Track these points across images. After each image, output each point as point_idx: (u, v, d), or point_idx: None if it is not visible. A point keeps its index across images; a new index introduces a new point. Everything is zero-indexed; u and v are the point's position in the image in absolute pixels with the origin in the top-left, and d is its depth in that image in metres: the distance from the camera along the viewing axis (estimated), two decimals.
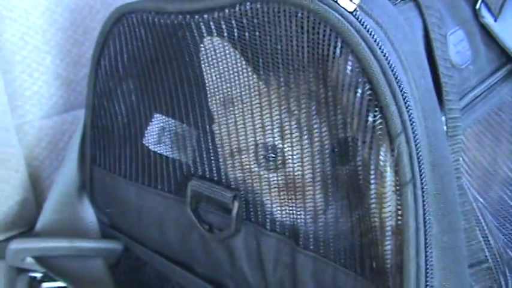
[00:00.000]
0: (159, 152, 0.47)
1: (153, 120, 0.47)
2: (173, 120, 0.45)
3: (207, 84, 0.40)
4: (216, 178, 0.42)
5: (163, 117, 0.46)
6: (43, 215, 0.52)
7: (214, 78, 0.40)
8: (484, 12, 0.43)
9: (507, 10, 0.45)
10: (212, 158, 0.43)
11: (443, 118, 0.37)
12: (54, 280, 0.49)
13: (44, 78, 0.56)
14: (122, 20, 0.45)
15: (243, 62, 0.37)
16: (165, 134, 0.46)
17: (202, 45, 0.39)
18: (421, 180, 0.32)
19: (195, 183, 0.43)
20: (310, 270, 0.38)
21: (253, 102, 0.38)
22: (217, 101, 0.40)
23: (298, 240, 0.38)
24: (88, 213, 0.53)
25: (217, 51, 0.38)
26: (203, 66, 0.40)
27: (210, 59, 0.39)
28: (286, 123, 0.37)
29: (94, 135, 0.52)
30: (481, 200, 0.41)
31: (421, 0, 0.38)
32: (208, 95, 0.40)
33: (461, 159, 0.38)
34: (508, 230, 0.42)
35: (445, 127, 0.37)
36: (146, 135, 0.48)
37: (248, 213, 0.41)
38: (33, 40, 0.54)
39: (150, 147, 0.47)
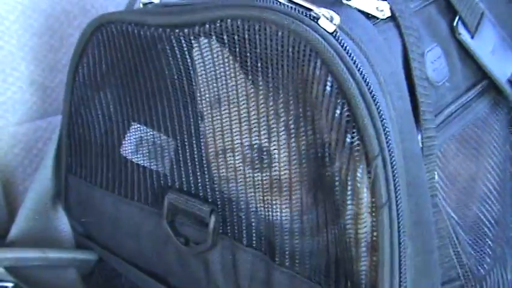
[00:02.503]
0: (136, 162, 0.46)
1: (131, 130, 0.46)
2: (151, 131, 0.45)
3: (198, 85, 0.40)
4: (193, 191, 0.42)
5: (142, 127, 0.45)
6: (16, 224, 0.51)
7: (205, 78, 0.39)
8: (461, 29, 0.44)
9: (483, 27, 0.46)
10: (190, 170, 0.42)
11: (419, 137, 0.38)
12: None
13: (19, 84, 0.55)
14: (102, 30, 0.45)
15: (233, 64, 0.37)
16: (143, 144, 0.46)
17: (196, 44, 0.38)
18: (397, 202, 0.32)
19: (172, 196, 0.43)
20: (285, 287, 0.38)
21: (240, 104, 0.38)
22: (207, 101, 0.40)
23: (274, 256, 0.38)
24: (62, 223, 0.53)
25: (210, 52, 0.38)
26: (195, 65, 0.39)
27: (202, 59, 0.39)
28: (265, 142, 0.37)
29: (70, 143, 0.52)
30: (455, 216, 0.42)
31: (400, 20, 0.39)
32: (198, 96, 0.40)
33: (436, 176, 0.39)
34: (480, 247, 0.43)
35: (421, 147, 0.37)
36: (124, 145, 0.47)
37: (225, 227, 0.41)
38: (8, 45, 0.54)
39: (127, 157, 0.47)
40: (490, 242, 0.44)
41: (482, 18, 0.46)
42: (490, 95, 0.46)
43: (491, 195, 0.45)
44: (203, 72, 0.39)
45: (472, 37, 0.45)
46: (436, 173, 0.39)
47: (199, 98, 0.40)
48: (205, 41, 0.38)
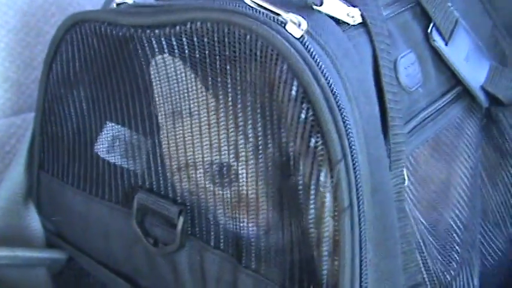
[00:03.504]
0: (108, 161, 0.46)
1: (104, 128, 0.46)
2: (124, 130, 0.45)
3: (155, 94, 0.40)
4: (162, 192, 0.42)
5: (115, 125, 0.45)
6: None
7: (163, 90, 0.39)
8: (435, 36, 0.44)
9: (457, 34, 0.46)
10: (160, 171, 0.42)
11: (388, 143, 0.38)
12: None
13: None
14: (75, 28, 0.45)
15: (194, 79, 0.37)
16: (116, 143, 0.46)
17: (152, 60, 0.39)
18: (359, 207, 0.33)
19: (142, 196, 0.43)
20: None
21: (202, 118, 0.38)
22: (166, 112, 0.40)
23: (240, 258, 0.38)
24: (33, 221, 0.52)
25: (167, 67, 0.38)
26: (152, 78, 0.40)
27: (159, 74, 0.39)
28: (233, 140, 0.37)
29: (43, 140, 0.51)
30: (424, 221, 0.42)
31: (371, 26, 0.39)
32: (157, 104, 0.40)
33: (407, 181, 0.39)
34: (447, 252, 0.43)
35: (388, 152, 0.38)
36: (96, 143, 0.47)
37: (193, 228, 0.41)
38: None
39: (99, 156, 0.47)
40: (457, 248, 0.44)
41: (456, 26, 0.46)
42: (464, 101, 0.47)
43: (462, 201, 0.46)
44: (159, 87, 0.39)
45: (446, 44, 0.45)
46: (405, 178, 0.39)
47: (155, 110, 0.40)
48: (160, 57, 0.38)
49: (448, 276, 0.42)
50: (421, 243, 0.41)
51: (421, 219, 0.42)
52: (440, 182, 0.45)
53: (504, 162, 0.51)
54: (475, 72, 0.47)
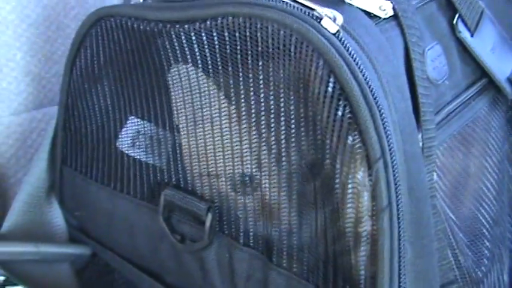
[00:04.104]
0: (132, 156, 0.46)
1: (127, 123, 0.46)
2: (149, 124, 0.44)
3: (173, 100, 0.40)
4: (190, 188, 0.42)
5: (139, 120, 0.45)
6: (9, 216, 0.51)
7: (185, 97, 0.39)
8: (461, 27, 0.44)
9: (483, 25, 0.45)
10: (188, 166, 0.42)
11: (419, 138, 0.37)
12: (16, 285, 0.48)
13: (14, 75, 0.54)
14: (101, 23, 0.44)
15: (213, 89, 0.37)
16: (140, 138, 0.45)
17: (169, 71, 0.38)
18: (398, 206, 0.32)
19: (169, 192, 0.42)
20: (282, 287, 0.37)
21: (223, 128, 0.38)
22: (187, 118, 0.40)
23: (271, 256, 0.38)
24: (56, 216, 0.52)
25: (186, 77, 0.38)
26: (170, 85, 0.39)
27: (178, 85, 0.39)
28: (256, 147, 0.36)
29: (66, 136, 0.51)
30: (453, 217, 0.41)
31: (402, 19, 0.38)
32: (175, 109, 0.40)
33: (435, 175, 0.39)
34: (477, 248, 0.43)
35: (421, 148, 0.37)
36: (120, 138, 0.47)
37: (222, 225, 0.40)
38: (4, 35, 0.53)
39: (123, 151, 0.46)
40: (487, 243, 0.44)
41: (482, 16, 0.45)
42: (489, 94, 0.46)
43: (490, 195, 0.45)
44: (180, 96, 0.39)
45: (472, 35, 0.44)
46: (435, 173, 0.39)
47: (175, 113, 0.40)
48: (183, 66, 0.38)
49: (479, 273, 0.41)
50: (452, 240, 0.40)
51: (451, 215, 0.41)
52: (468, 176, 0.44)
53: None
54: (501, 63, 0.47)
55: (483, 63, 0.45)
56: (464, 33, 0.44)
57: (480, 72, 0.45)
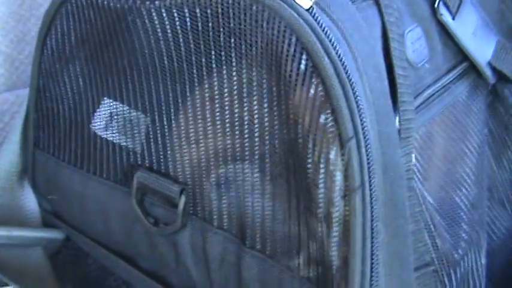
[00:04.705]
0: (106, 138, 0.45)
1: (101, 105, 0.45)
2: (122, 106, 0.43)
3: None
4: (163, 170, 0.41)
5: (112, 102, 0.44)
6: None
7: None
8: (442, 10, 0.43)
9: (465, 8, 0.45)
10: (161, 149, 0.41)
11: (396, 119, 0.37)
12: (7, 285, 0.47)
13: None
14: (71, 0, 0.43)
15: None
16: (114, 120, 0.44)
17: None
18: (371, 186, 0.32)
19: (142, 175, 0.42)
20: (255, 270, 0.37)
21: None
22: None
23: (245, 239, 0.38)
24: (29, 200, 0.51)
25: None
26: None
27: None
28: (229, 126, 0.36)
29: (38, 118, 0.50)
30: (431, 200, 0.41)
31: None
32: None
33: (413, 158, 0.38)
34: (455, 231, 0.43)
35: (398, 129, 0.37)
36: (93, 120, 0.46)
37: (195, 208, 0.40)
38: None
39: (96, 133, 0.46)
40: (465, 227, 0.43)
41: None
42: (470, 78, 0.46)
43: (469, 179, 0.45)
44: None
45: (453, 18, 0.44)
46: (413, 155, 0.38)
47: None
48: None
49: (456, 256, 0.41)
50: (430, 222, 0.40)
51: (429, 198, 0.41)
52: (447, 160, 0.44)
53: (510, 140, 0.50)
54: (482, 47, 0.46)
55: (464, 47, 0.44)
56: (446, 16, 0.43)
57: (461, 56, 0.45)
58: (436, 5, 0.43)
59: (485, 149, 0.48)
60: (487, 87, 0.47)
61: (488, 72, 0.46)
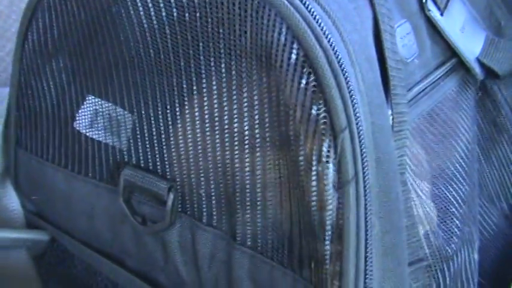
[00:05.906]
0: (90, 136, 0.44)
1: (85, 102, 0.44)
2: (107, 103, 0.43)
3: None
4: (151, 167, 0.40)
5: (97, 99, 0.43)
6: None
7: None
8: (431, 6, 0.43)
9: (453, 4, 0.45)
10: (147, 145, 0.40)
11: (389, 112, 0.36)
12: None
13: None
14: None
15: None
16: (98, 117, 0.43)
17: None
18: (364, 178, 0.31)
19: (129, 172, 0.41)
20: (246, 267, 0.36)
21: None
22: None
23: (235, 235, 0.37)
24: (12, 200, 0.50)
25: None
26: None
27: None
28: (218, 120, 0.35)
29: (20, 116, 0.49)
30: (423, 196, 0.41)
31: None
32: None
33: (407, 151, 0.38)
34: (447, 227, 0.42)
35: (391, 122, 0.36)
36: (77, 118, 0.45)
37: (184, 205, 0.39)
38: None
39: (81, 131, 0.45)
40: (457, 222, 0.43)
41: None
42: (459, 74, 0.46)
43: (459, 175, 0.45)
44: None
45: (442, 14, 0.44)
46: (406, 149, 0.38)
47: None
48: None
49: (449, 251, 0.41)
50: (423, 218, 0.40)
51: (421, 194, 0.41)
52: (437, 156, 0.44)
53: (499, 137, 0.50)
54: (470, 43, 0.46)
55: (452, 43, 0.44)
56: (434, 12, 0.43)
57: (450, 52, 0.45)
58: (424, 1, 0.42)
59: (475, 145, 0.48)
60: (476, 84, 0.47)
61: (477, 69, 0.46)
